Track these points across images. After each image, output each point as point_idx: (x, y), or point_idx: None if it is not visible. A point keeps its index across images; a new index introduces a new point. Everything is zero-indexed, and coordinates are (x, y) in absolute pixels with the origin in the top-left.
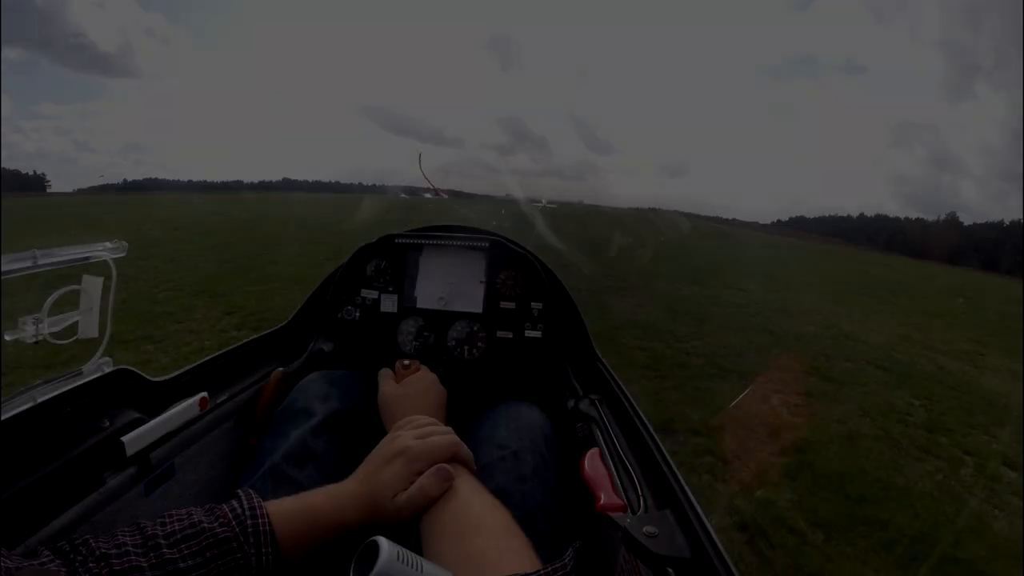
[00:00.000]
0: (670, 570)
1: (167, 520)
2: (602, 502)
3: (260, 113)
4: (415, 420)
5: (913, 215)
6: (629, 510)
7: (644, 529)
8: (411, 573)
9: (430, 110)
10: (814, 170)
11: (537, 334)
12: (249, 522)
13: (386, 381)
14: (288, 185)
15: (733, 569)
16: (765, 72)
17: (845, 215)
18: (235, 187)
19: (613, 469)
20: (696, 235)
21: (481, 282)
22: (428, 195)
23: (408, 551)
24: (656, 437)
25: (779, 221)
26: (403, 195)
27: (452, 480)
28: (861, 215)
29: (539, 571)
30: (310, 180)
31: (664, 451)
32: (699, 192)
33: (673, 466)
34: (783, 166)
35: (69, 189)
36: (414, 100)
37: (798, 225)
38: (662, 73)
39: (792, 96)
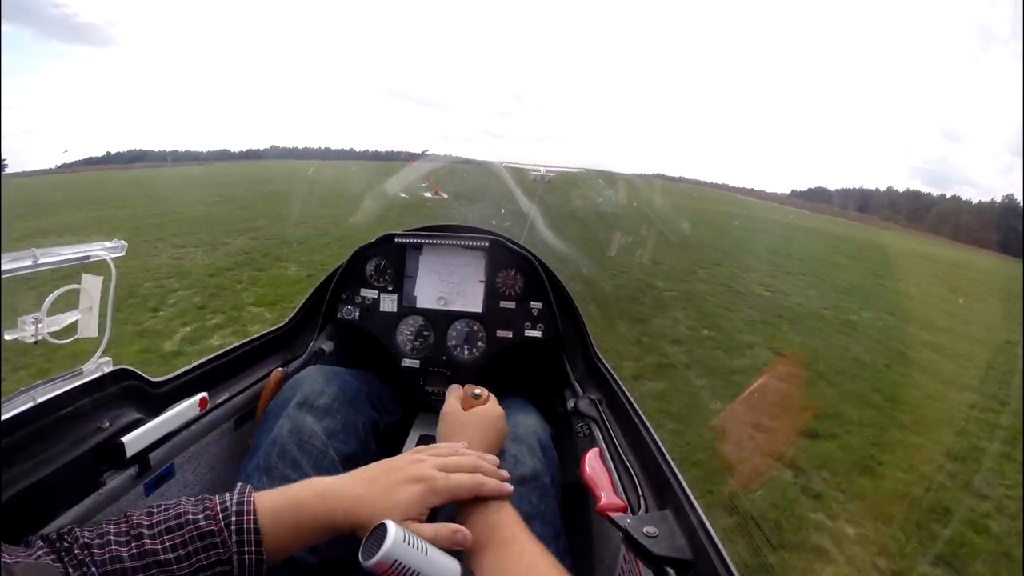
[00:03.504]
0: (670, 570)
1: (155, 510)
2: (602, 502)
3: (241, 74)
4: (437, 448)
5: (919, 188)
6: (629, 510)
7: (644, 529)
8: (417, 555)
9: (428, 71)
10: (825, 138)
11: (537, 334)
12: (234, 518)
13: (453, 401)
14: (277, 153)
15: (733, 569)
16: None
17: (873, 188)
18: (221, 157)
19: (613, 469)
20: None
21: (481, 282)
22: (428, 195)
23: (414, 535)
24: (656, 437)
25: (795, 191)
26: (402, 195)
27: (466, 546)
28: (890, 188)
29: None
30: (299, 147)
31: (664, 451)
32: (705, 159)
33: (673, 466)
34: (792, 133)
35: (51, 166)
36: (413, 62)
37: (818, 197)
38: (660, 39)
39: (803, 57)
